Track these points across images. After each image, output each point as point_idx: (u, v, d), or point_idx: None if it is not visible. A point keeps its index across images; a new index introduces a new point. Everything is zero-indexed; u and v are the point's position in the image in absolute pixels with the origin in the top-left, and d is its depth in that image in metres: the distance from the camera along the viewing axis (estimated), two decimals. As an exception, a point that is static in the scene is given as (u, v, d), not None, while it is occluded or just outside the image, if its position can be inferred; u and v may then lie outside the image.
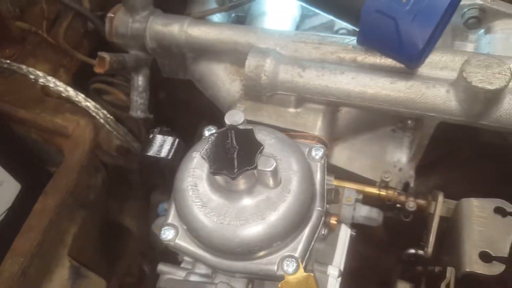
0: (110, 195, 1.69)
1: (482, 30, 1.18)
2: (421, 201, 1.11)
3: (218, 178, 0.79)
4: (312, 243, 0.85)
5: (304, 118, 1.11)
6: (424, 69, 1.04)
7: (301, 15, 1.45)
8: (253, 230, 0.78)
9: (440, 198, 1.04)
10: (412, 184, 1.19)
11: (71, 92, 1.33)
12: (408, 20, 0.92)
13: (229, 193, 0.80)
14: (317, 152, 0.93)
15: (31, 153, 1.40)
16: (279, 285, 0.77)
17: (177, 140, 0.98)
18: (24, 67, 1.36)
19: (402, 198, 1.12)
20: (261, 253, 0.80)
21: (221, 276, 0.89)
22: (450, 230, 1.01)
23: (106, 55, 1.20)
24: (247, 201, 0.80)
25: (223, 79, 1.27)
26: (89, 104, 1.35)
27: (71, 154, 1.32)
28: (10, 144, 1.31)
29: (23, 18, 1.46)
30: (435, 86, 1.00)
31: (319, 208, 0.87)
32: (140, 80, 1.37)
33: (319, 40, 1.14)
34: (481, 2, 1.15)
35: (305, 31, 1.39)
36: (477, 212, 0.93)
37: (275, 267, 0.80)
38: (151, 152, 0.96)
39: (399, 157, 1.23)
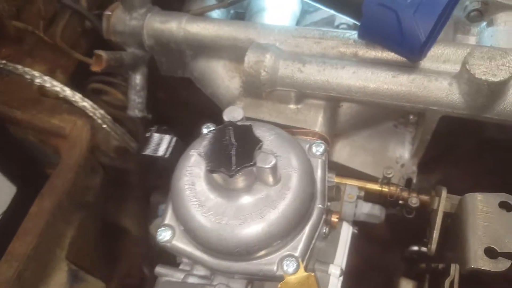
0: (109, 196, 1.67)
1: (485, 23, 1.16)
2: (424, 197, 1.09)
3: (216, 176, 0.77)
4: (313, 241, 0.83)
5: (305, 114, 1.09)
6: (426, 63, 1.02)
7: (301, 10, 1.43)
8: (252, 229, 0.76)
9: (444, 193, 1.02)
10: (414, 180, 1.17)
11: (68, 92, 1.31)
12: (410, 12, 0.90)
13: (227, 191, 0.78)
14: (318, 149, 0.91)
15: (27, 155, 1.38)
16: (279, 286, 0.75)
17: (174, 138, 0.96)
18: (20, 67, 1.34)
19: (405, 194, 1.10)
20: (261, 253, 0.78)
21: (220, 277, 0.87)
22: (454, 226, 0.99)
23: (103, 53, 1.19)
24: (245, 200, 0.78)
25: (222, 76, 1.25)
26: (86, 104, 1.33)
27: (68, 155, 1.30)
28: (6, 146, 1.30)
29: (20, 17, 1.44)
30: (438, 79, 0.97)
31: (319, 205, 0.85)
32: (138, 79, 1.35)
33: (319, 35, 1.12)
34: (483, -5, 1.13)
35: (306, 27, 1.37)
36: (482, 207, 0.91)
37: (275, 267, 0.78)
38: (148, 151, 0.94)
39: (401, 153, 1.21)
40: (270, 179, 0.78)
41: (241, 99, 1.14)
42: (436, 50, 1.02)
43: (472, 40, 1.16)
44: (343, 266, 0.95)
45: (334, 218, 0.98)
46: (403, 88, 0.99)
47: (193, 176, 0.83)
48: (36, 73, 1.33)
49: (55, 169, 1.31)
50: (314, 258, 0.95)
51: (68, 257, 1.43)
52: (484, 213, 0.89)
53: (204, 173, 0.82)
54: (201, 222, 0.78)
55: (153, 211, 1.73)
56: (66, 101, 1.39)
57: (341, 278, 0.92)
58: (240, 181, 0.76)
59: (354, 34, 1.08)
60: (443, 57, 1.02)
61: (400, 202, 1.10)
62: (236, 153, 0.73)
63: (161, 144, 0.95)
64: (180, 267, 1.04)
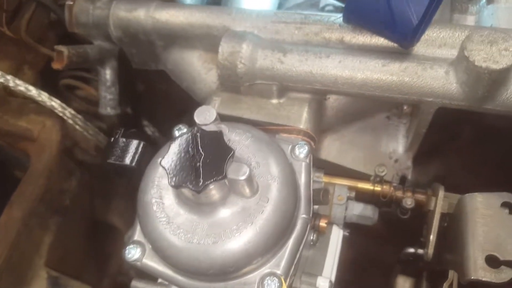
0: (94, 194, 1.61)
1: (484, 1, 1.06)
2: (420, 197, 1.01)
3: (184, 190, 0.69)
4: (298, 256, 0.75)
5: (288, 110, 0.99)
6: (419, 48, 0.92)
7: (283, -8, 1.32)
8: (227, 248, 0.68)
9: (441, 193, 0.94)
10: (409, 177, 1.09)
11: (33, 91, 1.21)
12: (400, -8, 0.80)
13: (198, 206, 0.70)
14: (301, 150, 0.82)
15: (-4, 158, 1.30)
16: (260, 308, 0.68)
17: (142, 143, 0.87)
18: (-21, 66, 1.23)
19: (399, 193, 1.02)
20: (238, 273, 0.71)
21: (198, 296, 0.79)
22: (452, 228, 0.91)
23: (63, 49, 1.08)
24: (219, 215, 0.70)
25: (197, 69, 1.14)
26: (54, 103, 1.23)
27: (38, 159, 1.21)
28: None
29: (-22, 11, 1.33)
30: (433, 67, 0.88)
31: (304, 215, 0.76)
32: (107, 74, 1.25)
33: (301, 20, 1.02)
34: (482, -32, 1.02)
35: (288, 9, 1.26)
36: (482, 209, 0.83)
37: (255, 287, 0.70)
38: (113, 159, 0.85)
39: (395, 147, 1.12)
40: (246, 190, 0.69)
41: (218, 94, 1.04)
42: (430, 34, 0.92)
43: (470, 20, 1.06)
44: (333, 278, 0.87)
45: (323, 223, 0.91)
46: (395, 78, 0.89)
47: (161, 188, 0.75)
48: (-2, 72, 1.23)
49: (24, 175, 1.22)
50: (301, 269, 0.87)
51: (49, 264, 1.36)
52: (485, 216, 0.81)
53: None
54: (170, 241, 0.70)
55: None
56: (34, 100, 1.29)
57: (331, 291, 0.84)
58: (211, 195, 0.68)
59: (339, 18, 0.97)
60: (438, 41, 0.92)
61: (394, 201, 1.02)
62: (204, 165, 0.64)
63: (127, 150, 0.85)
64: (159, 280, 0.97)
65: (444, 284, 0.95)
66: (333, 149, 1.11)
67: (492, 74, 0.79)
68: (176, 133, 0.88)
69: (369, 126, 1.13)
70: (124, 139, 0.87)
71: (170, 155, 0.66)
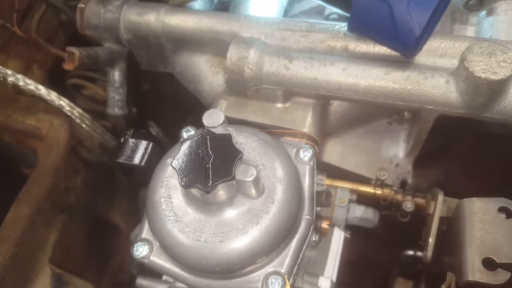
0: (97, 193, 1.63)
1: (484, 12, 1.09)
2: (420, 201, 1.03)
3: (193, 190, 0.71)
4: (301, 255, 0.77)
5: (293, 114, 1.02)
6: (421, 57, 0.95)
7: (289, -1, 1.34)
8: (234, 246, 0.70)
9: (440, 198, 0.97)
10: (409, 181, 1.12)
11: (42, 90, 1.24)
12: (404, 4, 0.83)
13: (206, 205, 0.72)
14: (306, 153, 0.85)
15: (3, 157, 1.32)
16: (263, 306, 0.70)
17: (151, 144, 0.89)
18: (-9, 64, 1.26)
19: (399, 197, 1.04)
20: (243, 271, 0.73)
21: (203, 293, 0.82)
22: (451, 232, 0.93)
23: (75, 50, 1.11)
24: (226, 214, 0.72)
25: (205, 72, 1.17)
26: (63, 102, 1.26)
27: (45, 157, 1.24)
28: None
29: (-10, 11, 1.35)
30: (434, 76, 0.91)
31: (307, 216, 0.79)
32: (116, 75, 1.27)
33: (307, 28, 1.05)
34: (483, -19, 1.05)
35: (293, 17, 1.29)
36: (480, 214, 0.85)
37: (259, 285, 0.73)
38: (122, 159, 0.87)
39: (396, 152, 1.15)
40: (253, 191, 0.72)
41: (225, 98, 1.06)
42: (432, 44, 0.95)
43: (470, 30, 1.09)
44: (334, 278, 0.90)
45: (325, 225, 0.93)
46: (397, 85, 0.92)
47: (170, 188, 0.77)
48: (9, 71, 1.25)
49: (32, 173, 1.24)
50: (303, 269, 0.90)
51: (53, 261, 1.38)
52: (483, 220, 0.83)
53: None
54: (178, 239, 0.72)
55: (141, 207, 1.68)
56: (43, 99, 1.32)
57: (332, 291, 0.86)
58: (219, 195, 0.70)
59: (344, 27, 1.00)
60: (439, 51, 0.95)
61: (395, 205, 1.05)
62: (213, 166, 0.67)
63: (136, 150, 0.88)
64: (163, 278, 0.99)
65: (442, 286, 0.98)
66: (335, 152, 1.13)
67: (490, 85, 0.82)
68: (184, 135, 0.91)
69: (371, 131, 1.15)
70: (133, 140, 0.89)
71: (181, 156, 0.69)
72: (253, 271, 0.74)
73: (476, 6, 1.07)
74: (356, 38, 0.99)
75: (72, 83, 1.49)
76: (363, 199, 1.08)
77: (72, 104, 1.27)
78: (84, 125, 1.31)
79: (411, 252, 1.07)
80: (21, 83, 1.24)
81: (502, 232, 0.83)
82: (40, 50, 1.45)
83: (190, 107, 1.37)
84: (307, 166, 0.84)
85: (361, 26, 0.94)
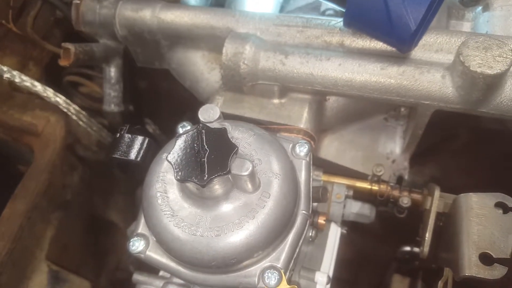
0: (94, 190, 1.62)
1: (480, 8, 1.09)
2: (416, 196, 1.03)
3: (189, 184, 0.71)
4: (297, 250, 0.77)
5: (289, 110, 1.02)
6: (417, 53, 0.95)
7: (285, -5, 1.34)
8: (229, 241, 0.70)
9: (437, 193, 0.97)
10: (406, 177, 1.11)
11: (38, 87, 1.23)
12: (399, -2, 0.83)
13: (202, 200, 0.72)
14: (302, 149, 0.85)
15: (-1, 153, 1.32)
16: (260, 300, 0.70)
17: (147, 139, 0.89)
18: (-14, 61, 1.25)
19: (396, 193, 1.04)
20: (240, 265, 0.73)
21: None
22: (448, 227, 0.94)
23: (71, 46, 1.10)
24: (222, 209, 0.72)
25: (201, 68, 1.17)
26: (59, 99, 1.25)
27: (42, 154, 1.23)
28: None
29: (-15, 8, 1.35)
30: (430, 71, 0.91)
31: (303, 211, 0.79)
32: (112, 72, 1.27)
33: (303, 23, 1.04)
34: (479, -24, 1.05)
35: (289, 13, 1.29)
36: (477, 209, 0.85)
37: (256, 280, 0.73)
38: (118, 154, 0.87)
39: (392, 148, 1.15)
40: (248, 186, 0.72)
41: (221, 94, 1.06)
42: (427, 39, 0.95)
43: (466, 26, 1.09)
44: (331, 273, 0.90)
45: (321, 220, 0.93)
46: (393, 81, 0.92)
47: (166, 183, 0.77)
48: (4, 68, 1.25)
49: (28, 170, 1.24)
50: (300, 264, 0.90)
51: (50, 257, 1.38)
52: (479, 216, 0.83)
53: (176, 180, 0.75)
54: (174, 234, 0.72)
55: (138, 205, 1.68)
56: (39, 95, 1.31)
57: (328, 286, 0.86)
58: (215, 189, 0.70)
59: (339, 22, 1.00)
60: (435, 46, 0.95)
61: (391, 200, 1.05)
62: (208, 160, 0.67)
63: (132, 146, 0.88)
64: (160, 273, 0.99)
65: (439, 282, 0.98)
66: (332, 148, 1.13)
67: (486, 79, 0.82)
68: (180, 130, 0.90)
69: (367, 127, 1.15)
70: (129, 135, 0.89)
71: (176, 151, 0.68)
72: (250, 266, 0.74)
73: (472, 1, 1.07)
74: (352, 34, 0.99)
75: (69, 80, 1.49)
76: (359, 195, 1.08)
77: (68, 101, 1.27)
78: (80, 122, 1.31)
79: (408, 248, 1.07)
80: (17, 80, 1.24)
81: (498, 227, 0.83)
82: (36, 47, 1.45)
83: (186, 104, 1.37)
84: (303, 161, 0.84)
85: (356, 21, 0.94)
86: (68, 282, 1.45)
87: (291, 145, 0.85)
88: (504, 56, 0.82)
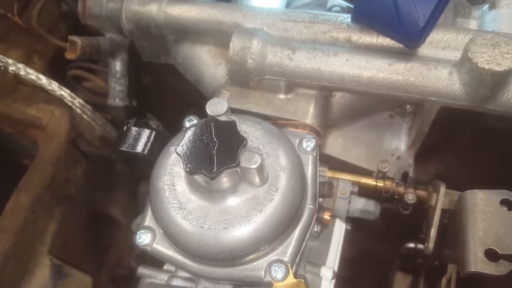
0: (96, 186, 1.62)
1: (487, 6, 1.09)
2: (421, 193, 1.03)
3: (197, 176, 0.71)
4: (304, 244, 0.77)
5: (295, 105, 1.02)
6: (424, 49, 0.95)
7: (291, -9, 1.34)
8: (237, 234, 0.70)
9: (442, 190, 0.97)
10: (411, 174, 1.12)
11: (43, 80, 1.23)
12: (408, -6, 0.83)
13: (210, 193, 0.72)
14: (309, 144, 0.85)
15: (2, 147, 1.31)
16: (267, 293, 0.70)
17: (153, 132, 0.89)
18: (-8, 53, 1.25)
19: (401, 189, 1.04)
20: (247, 259, 0.73)
21: (205, 282, 0.82)
22: (453, 224, 0.94)
23: (77, 39, 1.10)
24: (230, 202, 0.72)
25: (207, 63, 1.17)
26: (64, 93, 1.25)
27: (46, 147, 1.23)
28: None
29: (-9, 1, 1.34)
30: (437, 67, 0.91)
31: (310, 206, 0.79)
32: (117, 66, 1.27)
33: (310, 19, 1.04)
34: (486, -25, 1.05)
35: (296, 9, 1.29)
36: (482, 206, 0.85)
37: (262, 273, 0.73)
38: (125, 147, 0.87)
39: (397, 145, 1.15)
40: (256, 179, 0.72)
41: (227, 88, 1.06)
42: (435, 36, 0.95)
43: (473, 24, 1.09)
44: (336, 268, 0.90)
45: (327, 216, 0.93)
46: (400, 77, 0.92)
47: (173, 175, 0.77)
48: (10, 60, 1.25)
49: (32, 163, 1.24)
50: (305, 259, 0.90)
51: (52, 252, 1.38)
52: (485, 212, 0.83)
53: (185, 172, 0.75)
54: (182, 226, 0.72)
55: (141, 200, 1.68)
56: (44, 88, 1.31)
57: (333, 281, 0.87)
58: (223, 182, 0.70)
59: (347, 18, 1.00)
60: (442, 43, 0.95)
61: (396, 197, 1.05)
62: (217, 153, 0.67)
63: (139, 139, 0.88)
64: (165, 267, 0.99)
65: (443, 279, 0.98)
66: (337, 145, 1.13)
67: (494, 76, 0.83)
68: (187, 124, 0.91)
69: (372, 123, 1.15)
70: (136, 128, 0.89)
71: (185, 143, 0.68)
72: (256, 259, 0.74)
73: (479, -1, 1.07)
74: (359, 30, 0.99)
75: (73, 75, 1.49)
76: (364, 191, 1.08)
77: (73, 95, 1.27)
78: (85, 116, 1.31)
79: (412, 245, 1.07)
80: (22, 73, 1.24)
81: (504, 223, 0.83)
82: (41, 41, 1.44)
83: (190, 99, 1.37)
84: (310, 156, 0.84)
85: (364, 17, 0.94)
86: (70, 277, 1.45)
87: (298, 140, 0.86)
88: (512, 53, 0.82)
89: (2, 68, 1.25)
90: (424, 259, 1.15)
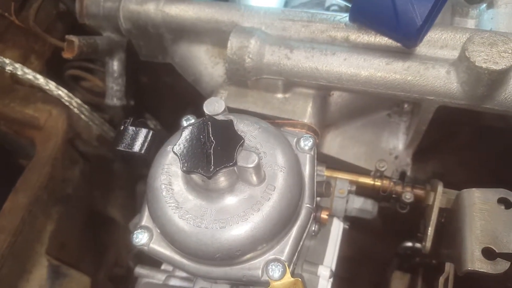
0: (94, 185, 1.62)
1: (484, 5, 1.09)
2: (419, 192, 1.04)
3: (194, 176, 0.71)
4: (301, 243, 0.77)
5: (293, 104, 1.02)
6: (422, 48, 0.95)
7: (289, -9, 1.34)
8: (234, 233, 0.70)
9: (440, 189, 0.97)
10: (409, 173, 1.12)
11: (41, 80, 1.23)
12: (405, -6, 0.83)
13: (207, 192, 0.72)
14: (306, 143, 0.85)
15: (0, 148, 1.31)
16: (264, 292, 0.70)
17: (151, 132, 0.89)
18: (-11, 53, 1.24)
19: (398, 188, 1.04)
20: (244, 258, 0.73)
21: (202, 281, 0.82)
22: (450, 223, 0.94)
23: (74, 39, 1.10)
24: (227, 201, 0.72)
25: (204, 62, 1.17)
26: (62, 92, 1.25)
27: (43, 147, 1.23)
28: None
29: (-12, 0, 1.34)
30: (435, 66, 0.91)
31: (308, 205, 0.79)
32: (115, 65, 1.26)
33: (308, 18, 1.04)
34: (483, -26, 1.05)
35: (294, 8, 1.29)
36: (480, 204, 0.86)
37: (260, 272, 0.73)
38: (122, 146, 0.87)
39: (395, 144, 1.15)
40: (254, 178, 0.72)
41: (225, 88, 1.06)
42: (433, 35, 0.95)
43: (471, 23, 1.09)
44: (333, 267, 0.90)
45: (324, 215, 0.93)
46: (398, 76, 0.92)
47: (170, 175, 0.77)
48: (7, 60, 1.24)
49: (29, 163, 1.24)
50: (303, 258, 0.90)
51: (50, 252, 1.37)
52: (482, 211, 0.84)
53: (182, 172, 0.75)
54: (179, 226, 0.72)
55: (138, 200, 1.68)
56: (41, 88, 1.31)
57: (331, 280, 0.86)
58: (220, 181, 0.70)
59: (345, 17, 1.00)
60: (440, 42, 0.95)
61: (394, 196, 1.05)
62: (214, 152, 0.67)
63: (136, 138, 0.87)
64: (162, 267, 0.99)
65: (440, 277, 0.98)
66: (335, 144, 1.13)
67: (491, 75, 0.83)
68: (184, 123, 0.90)
69: (370, 123, 1.15)
70: (133, 128, 0.89)
71: (182, 142, 0.68)
72: (254, 258, 0.74)
73: (477, -2, 1.07)
74: (357, 29, 0.99)
75: (70, 74, 1.48)
76: (362, 191, 1.08)
77: (70, 94, 1.27)
78: (82, 116, 1.30)
79: (409, 244, 1.07)
80: (19, 72, 1.23)
81: (501, 222, 0.83)
82: (38, 40, 1.44)
83: (188, 99, 1.37)
84: (308, 155, 0.84)
85: (362, 16, 0.94)
86: (67, 277, 1.44)
87: (295, 139, 0.85)
88: (510, 52, 0.82)
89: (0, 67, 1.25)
90: (421, 258, 1.15)
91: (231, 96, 1.05)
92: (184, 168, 0.66)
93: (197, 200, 0.73)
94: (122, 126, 0.88)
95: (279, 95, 1.03)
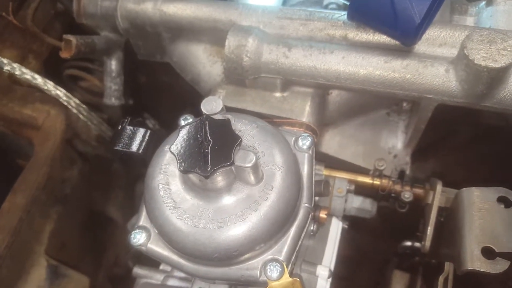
0: (93, 185, 1.62)
1: (483, 3, 1.08)
2: (418, 191, 1.03)
3: (192, 175, 0.70)
4: (299, 243, 0.77)
5: (291, 103, 1.01)
6: (421, 46, 0.95)
7: (287, -11, 1.33)
8: (232, 233, 0.70)
9: (439, 187, 0.96)
10: (407, 172, 1.11)
11: (39, 80, 1.22)
12: (404, -9, 0.82)
13: (205, 192, 0.72)
14: (305, 142, 0.84)
15: (-2, 146, 1.31)
16: (262, 292, 0.70)
17: (148, 132, 0.88)
18: (-14, 53, 1.24)
19: (397, 187, 1.04)
20: (242, 258, 0.72)
21: (200, 281, 0.81)
22: (449, 222, 0.93)
23: (72, 38, 1.10)
24: (225, 201, 0.72)
25: (203, 61, 1.16)
26: (60, 92, 1.24)
27: (42, 147, 1.22)
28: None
29: (-15, 0, 1.34)
30: (433, 64, 0.90)
31: (306, 204, 0.79)
32: (113, 65, 1.26)
33: (306, 16, 1.04)
34: (482, -29, 1.05)
35: (292, 6, 1.28)
36: (479, 203, 0.85)
37: (258, 272, 0.73)
38: (120, 146, 0.86)
39: (394, 143, 1.15)
40: (251, 178, 0.71)
41: (223, 87, 1.06)
42: (431, 33, 0.94)
43: (470, 21, 1.08)
44: (332, 267, 0.89)
45: (323, 214, 0.93)
46: (396, 74, 0.92)
47: (168, 174, 0.76)
48: (5, 60, 1.24)
49: (28, 163, 1.23)
50: (301, 258, 0.89)
51: (48, 252, 1.37)
52: (481, 209, 0.83)
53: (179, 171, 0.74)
54: (176, 226, 0.72)
55: (138, 200, 1.68)
56: (39, 88, 1.30)
57: (330, 280, 0.86)
58: (218, 181, 0.70)
59: (343, 15, 1.00)
60: (439, 40, 0.94)
61: (393, 195, 1.04)
62: (212, 151, 0.66)
63: (134, 138, 0.87)
64: (161, 267, 0.99)
65: (440, 277, 0.98)
66: (333, 143, 1.13)
67: (490, 72, 0.82)
68: (182, 122, 0.90)
69: (369, 121, 1.15)
70: (131, 127, 0.88)
71: (179, 141, 0.68)
72: (252, 258, 0.73)
73: (476, -4, 1.07)
74: (355, 27, 0.98)
75: (69, 74, 1.48)
76: (361, 190, 1.08)
77: (68, 94, 1.26)
78: (80, 116, 1.30)
79: (408, 243, 1.07)
80: (17, 72, 1.23)
81: (501, 221, 0.83)
82: (36, 40, 1.44)
83: (186, 98, 1.37)
84: (306, 154, 0.84)
85: (360, 14, 0.94)
86: (66, 277, 1.44)
87: (293, 138, 0.85)
88: (509, 49, 0.81)
89: (-3, 67, 1.24)
90: (421, 257, 1.14)
91: (229, 95, 1.04)
92: (182, 168, 0.65)
93: (195, 200, 0.73)
94: (120, 126, 0.88)
95: (277, 94, 1.03)
